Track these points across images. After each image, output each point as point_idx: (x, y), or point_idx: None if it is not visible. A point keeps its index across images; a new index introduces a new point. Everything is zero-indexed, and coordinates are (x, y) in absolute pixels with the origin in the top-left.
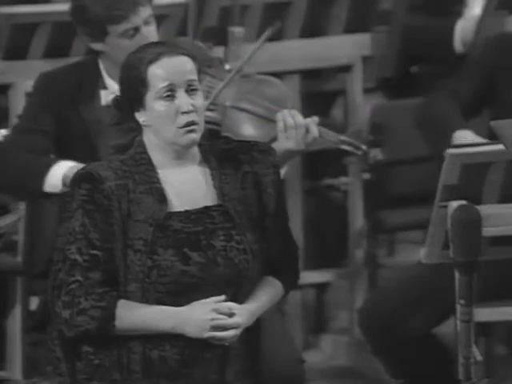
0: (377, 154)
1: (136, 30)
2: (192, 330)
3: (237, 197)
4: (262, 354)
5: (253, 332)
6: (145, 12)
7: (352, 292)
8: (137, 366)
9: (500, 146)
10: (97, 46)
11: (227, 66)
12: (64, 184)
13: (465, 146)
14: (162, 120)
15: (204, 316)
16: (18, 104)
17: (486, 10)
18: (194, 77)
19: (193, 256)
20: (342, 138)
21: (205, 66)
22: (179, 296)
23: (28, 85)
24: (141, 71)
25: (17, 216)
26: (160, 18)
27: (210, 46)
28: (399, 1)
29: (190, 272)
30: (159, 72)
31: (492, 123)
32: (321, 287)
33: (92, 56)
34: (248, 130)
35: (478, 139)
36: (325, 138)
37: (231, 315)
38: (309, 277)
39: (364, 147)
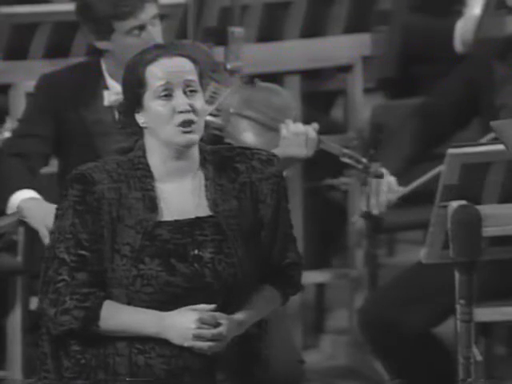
0: (377, 168)
1: (142, 28)
2: (174, 337)
3: (231, 208)
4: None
5: (247, 337)
6: (151, 10)
7: (352, 292)
8: (123, 369)
9: (500, 146)
10: (102, 45)
11: (229, 66)
12: (19, 213)
13: (465, 146)
14: (160, 119)
15: (187, 324)
16: (18, 104)
17: (486, 9)
18: (193, 78)
19: (179, 267)
20: (345, 151)
21: (209, 70)
22: (164, 305)
23: (28, 85)
24: (139, 71)
25: (17, 216)
26: (160, 18)
27: (210, 46)
28: (399, 1)
29: (174, 283)
30: (156, 71)
31: (492, 123)
32: (321, 287)
33: (94, 57)
34: (250, 137)
35: None
36: (327, 149)
37: (217, 325)
38: (309, 277)
39: (365, 161)
